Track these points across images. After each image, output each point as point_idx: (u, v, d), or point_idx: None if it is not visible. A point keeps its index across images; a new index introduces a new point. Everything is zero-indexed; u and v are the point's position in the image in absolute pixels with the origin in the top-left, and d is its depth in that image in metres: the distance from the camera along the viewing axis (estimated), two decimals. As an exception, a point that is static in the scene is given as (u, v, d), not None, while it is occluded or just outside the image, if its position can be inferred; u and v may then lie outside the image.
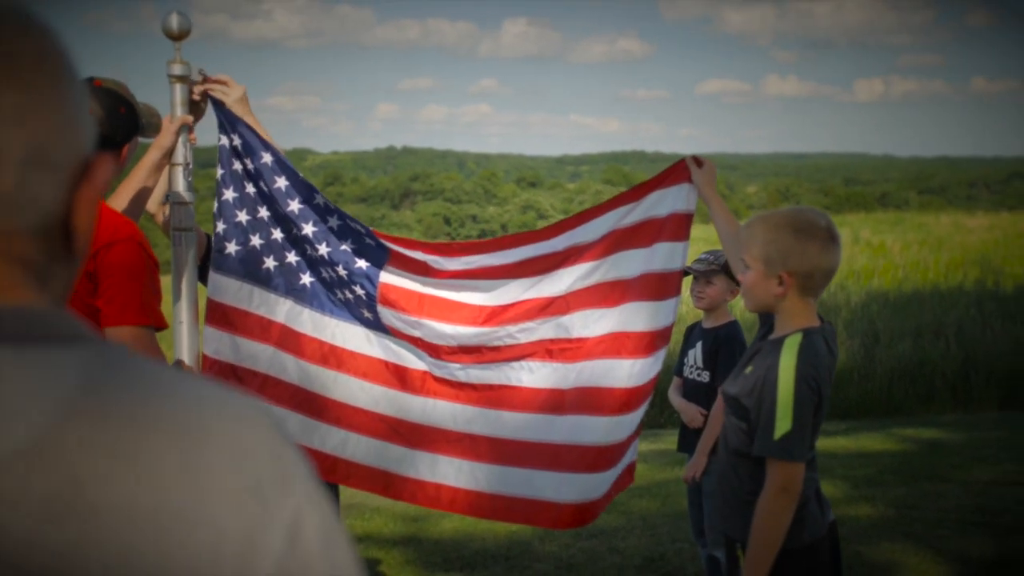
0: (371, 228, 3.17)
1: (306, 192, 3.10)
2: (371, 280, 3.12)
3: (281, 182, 3.08)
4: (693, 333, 4.15)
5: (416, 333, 3.13)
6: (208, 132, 3.21)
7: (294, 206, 3.09)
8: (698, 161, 3.13)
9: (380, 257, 3.13)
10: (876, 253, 20.74)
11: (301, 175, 3.11)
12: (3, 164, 0.67)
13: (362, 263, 3.12)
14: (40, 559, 0.61)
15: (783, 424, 2.30)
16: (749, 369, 2.47)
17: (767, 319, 2.57)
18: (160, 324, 2.55)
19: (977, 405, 9.71)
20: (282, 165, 3.09)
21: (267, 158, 3.08)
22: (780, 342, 2.40)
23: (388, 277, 3.12)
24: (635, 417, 3.12)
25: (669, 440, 6.89)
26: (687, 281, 3.55)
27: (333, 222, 3.12)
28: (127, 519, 0.64)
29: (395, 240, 3.19)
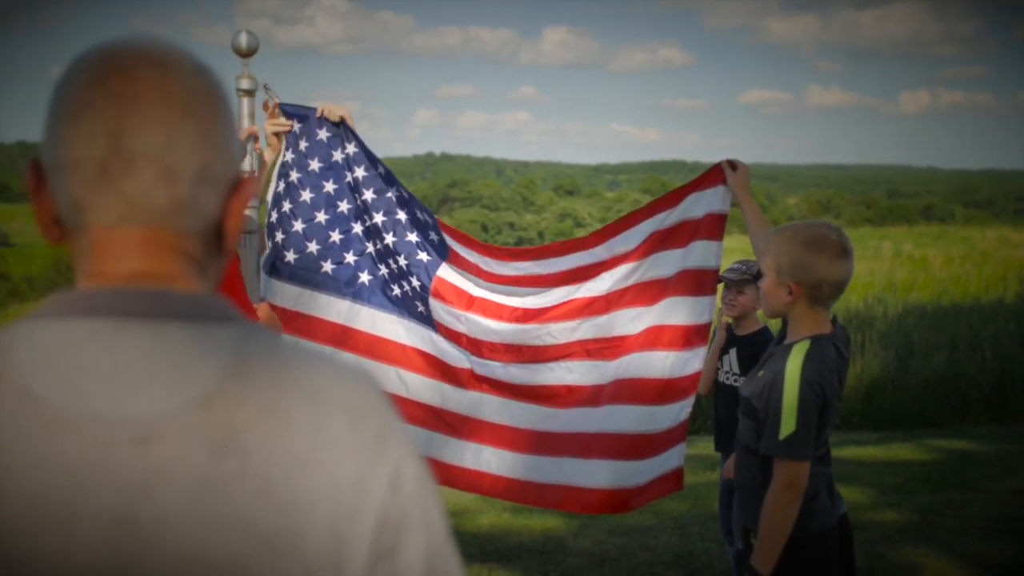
0: (437, 219, 3.46)
1: (379, 183, 3.38)
2: (428, 273, 3.38)
3: (360, 172, 3.37)
4: (727, 339, 4.29)
5: (461, 328, 3.35)
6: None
7: (368, 195, 3.38)
8: (733, 165, 3.26)
9: (441, 254, 3.39)
10: (917, 266, 20.61)
11: (381, 167, 3.39)
12: (183, 180, 0.88)
13: (423, 255, 3.39)
14: (209, 484, 0.81)
15: (788, 425, 2.47)
16: (761, 373, 2.63)
17: (786, 325, 2.73)
18: (254, 314, 2.84)
19: (1013, 418, 9.69)
20: (366, 153, 3.38)
21: (351, 149, 3.39)
22: (789, 348, 2.56)
23: (444, 273, 3.38)
24: (671, 411, 3.23)
25: (700, 445, 7.04)
26: (718, 289, 3.70)
27: (402, 214, 3.38)
28: (268, 460, 0.83)
29: (455, 235, 3.43)
